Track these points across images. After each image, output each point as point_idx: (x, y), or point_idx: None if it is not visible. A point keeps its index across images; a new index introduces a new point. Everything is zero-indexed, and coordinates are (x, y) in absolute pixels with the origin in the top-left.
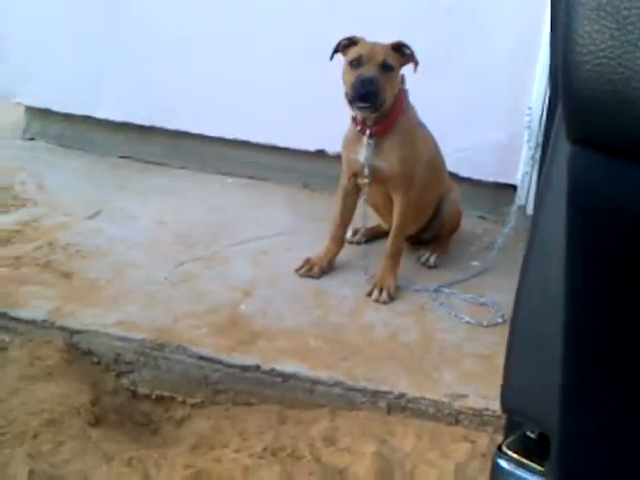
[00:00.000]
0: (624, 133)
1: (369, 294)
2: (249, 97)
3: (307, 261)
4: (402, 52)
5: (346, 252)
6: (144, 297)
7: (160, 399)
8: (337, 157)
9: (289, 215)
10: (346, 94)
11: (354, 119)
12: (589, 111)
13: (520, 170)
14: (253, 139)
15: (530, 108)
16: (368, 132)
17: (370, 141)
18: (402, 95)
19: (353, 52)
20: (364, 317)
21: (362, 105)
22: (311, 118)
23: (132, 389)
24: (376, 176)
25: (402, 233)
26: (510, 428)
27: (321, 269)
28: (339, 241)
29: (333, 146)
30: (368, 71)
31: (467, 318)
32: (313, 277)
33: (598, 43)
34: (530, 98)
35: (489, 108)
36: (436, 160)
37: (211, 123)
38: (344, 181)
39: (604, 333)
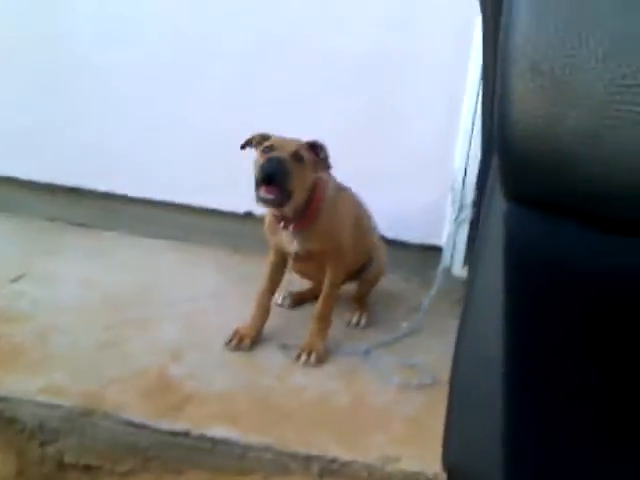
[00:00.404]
0: (559, 190)
1: (297, 357)
2: (177, 158)
3: (236, 333)
4: (317, 153)
5: (274, 316)
6: (70, 362)
7: (87, 468)
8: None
9: (218, 277)
10: (255, 179)
11: (275, 215)
12: (524, 169)
13: (445, 232)
14: (181, 200)
15: (454, 170)
16: (291, 228)
17: (296, 234)
18: (319, 187)
19: (266, 143)
20: (294, 380)
21: (267, 197)
22: (239, 180)
23: (58, 458)
24: (306, 256)
25: (333, 297)
26: None
27: (252, 340)
28: (267, 310)
29: (261, 208)
30: (278, 154)
31: (397, 380)
32: (244, 349)
33: (533, 102)
34: (453, 160)
35: (413, 171)
36: (362, 220)
37: (139, 184)
38: (271, 256)
39: (542, 385)
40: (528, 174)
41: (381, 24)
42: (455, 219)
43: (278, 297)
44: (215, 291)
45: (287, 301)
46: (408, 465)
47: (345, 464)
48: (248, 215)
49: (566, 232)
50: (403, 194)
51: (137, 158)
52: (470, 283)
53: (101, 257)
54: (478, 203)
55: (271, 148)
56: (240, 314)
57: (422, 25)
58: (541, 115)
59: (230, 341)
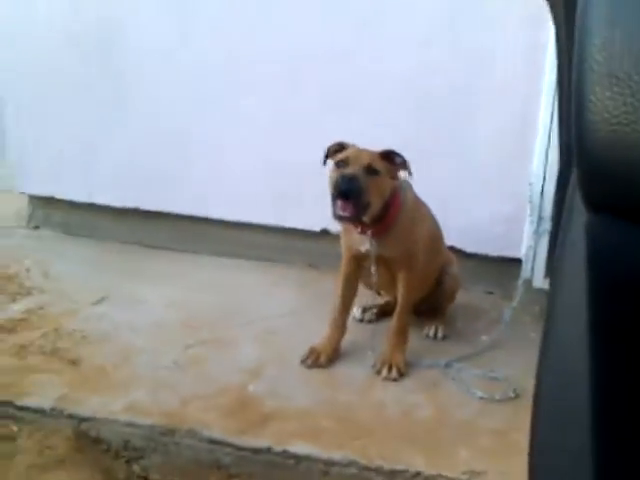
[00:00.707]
0: None
1: (378, 372)
2: (252, 179)
3: (312, 351)
4: (392, 160)
5: (354, 330)
6: (152, 381)
7: None
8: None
9: (296, 295)
10: (331, 194)
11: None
12: (605, 178)
13: (524, 244)
14: (257, 220)
15: (531, 183)
16: (369, 233)
17: (372, 239)
18: (398, 194)
19: (340, 154)
20: (375, 395)
21: (342, 214)
22: (314, 198)
23: (144, 475)
24: (379, 261)
25: (408, 309)
26: None
27: (328, 357)
28: (342, 327)
29: (336, 225)
30: (352, 170)
31: (480, 393)
32: (321, 366)
33: (611, 110)
34: (531, 172)
35: (491, 184)
36: (436, 236)
37: (215, 206)
38: (344, 267)
39: (633, 407)
40: (609, 183)
41: (449, 34)
42: (535, 231)
43: (357, 311)
44: (293, 309)
45: (368, 315)
46: (494, 479)
47: (430, 478)
48: (324, 232)
49: None
50: (482, 207)
51: (212, 181)
52: (551, 296)
53: (180, 278)
54: (557, 216)
55: (345, 162)
56: (318, 331)
57: (493, 39)
58: (620, 122)
59: (306, 359)
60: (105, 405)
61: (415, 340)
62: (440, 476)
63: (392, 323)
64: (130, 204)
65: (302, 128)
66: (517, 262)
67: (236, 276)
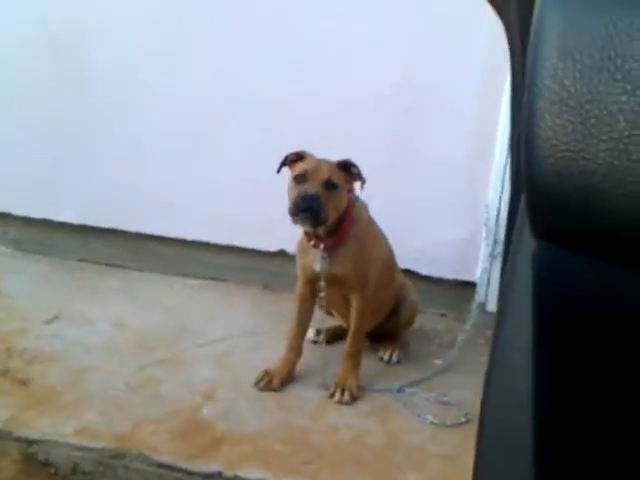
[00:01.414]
0: (589, 227)
1: (331, 396)
2: (208, 198)
3: (266, 373)
4: (349, 170)
5: (308, 352)
6: (103, 403)
7: None
8: None
9: (251, 316)
10: (289, 209)
11: (307, 233)
12: (553, 206)
13: (479, 267)
14: (213, 240)
15: (487, 205)
16: (322, 246)
17: (324, 254)
18: (351, 207)
19: (298, 167)
20: (327, 419)
21: (302, 217)
22: (271, 218)
23: None
24: (332, 281)
25: (361, 333)
26: None
27: (281, 380)
28: (298, 350)
29: (293, 246)
30: (311, 188)
31: (431, 418)
32: (274, 390)
33: (560, 137)
34: (487, 195)
35: (447, 207)
36: (389, 261)
37: (170, 224)
38: (300, 289)
39: (575, 428)
40: (557, 210)
41: (407, 59)
42: (490, 254)
43: (311, 333)
44: (248, 330)
45: (322, 336)
46: None
47: None
48: (281, 253)
49: (598, 272)
50: (436, 230)
51: (168, 199)
52: (499, 320)
53: (133, 297)
54: (507, 240)
55: (304, 176)
56: (274, 352)
57: (452, 57)
58: (569, 149)
59: (259, 381)
60: (55, 427)
61: (369, 363)
62: None
63: (345, 347)
64: (86, 221)
65: (257, 144)
66: (472, 285)
67: (191, 296)
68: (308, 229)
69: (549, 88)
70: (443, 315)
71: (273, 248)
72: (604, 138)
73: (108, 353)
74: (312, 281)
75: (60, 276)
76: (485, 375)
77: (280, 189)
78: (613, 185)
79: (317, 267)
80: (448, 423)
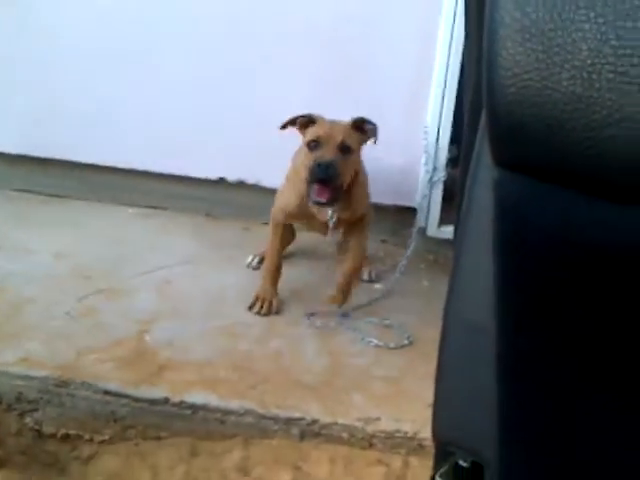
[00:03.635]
0: (552, 156)
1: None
2: (148, 125)
3: (257, 299)
4: (362, 129)
5: (246, 278)
6: (45, 333)
7: (66, 438)
8: (238, 184)
9: (192, 244)
10: (306, 180)
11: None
12: (516, 135)
13: (419, 193)
14: (153, 168)
15: (426, 132)
16: (330, 212)
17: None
18: (360, 162)
19: (311, 132)
20: (272, 344)
21: (320, 200)
22: (211, 145)
23: (37, 429)
24: (337, 224)
25: (364, 254)
26: (440, 457)
27: (278, 303)
28: (276, 281)
29: (234, 173)
30: (326, 154)
31: (375, 341)
32: (274, 313)
33: (523, 65)
34: (425, 121)
35: (386, 134)
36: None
37: (110, 153)
38: (280, 218)
39: (537, 362)
40: (519, 140)
41: None
42: (429, 180)
43: (251, 259)
44: (189, 258)
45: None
46: (388, 425)
47: (326, 426)
48: (221, 180)
49: (560, 200)
50: (376, 156)
51: (105, 125)
52: (457, 249)
53: (73, 227)
54: (463, 171)
55: (318, 142)
56: (216, 280)
57: None
58: (532, 78)
59: (254, 306)
60: None
61: (313, 290)
62: (336, 424)
63: (348, 266)
64: (23, 150)
65: (198, 68)
66: (412, 211)
67: (130, 225)
68: (327, 206)
69: (511, 15)
70: (384, 241)
71: (214, 176)
72: (567, 67)
73: (49, 283)
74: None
75: None
76: (444, 306)
77: (222, 117)
78: (576, 115)
79: (324, 218)
80: (391, 345)
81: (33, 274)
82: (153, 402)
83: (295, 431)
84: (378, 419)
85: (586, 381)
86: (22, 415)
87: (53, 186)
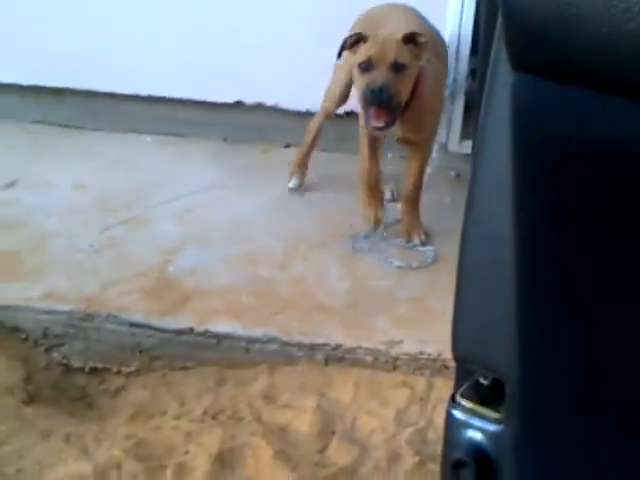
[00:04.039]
0: (571, 56)
1: (408, 241)
2: (161, 51)
3: (373, 222)
4: (416, 42)
5: (268, 203)
6: (69, 267)
7: (94, 371)
8: (256, 107)
9: (212, 170)
10: (361, 103)
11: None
12: (533, 35)
13: None
14: (168, 94)
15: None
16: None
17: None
18: (422, 77)
19: (361, 53)
20: (294, 270)
21: (378, 125)
22: (226, 68)
23: (64, 363)
24: (402, 140)
25: (422, 179)
26: (461, 376)
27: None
28: (380, 196)
29: (251, 96)
30: (379, 76)
31: (397, 262)
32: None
33: None
34: (445, 29)
35: None
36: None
37: (124, 81)
38: (366, 131)
39: (556, 273)
40: (537, 40)
41: None
42: (449, 93)
43: (293, 181)
44: (209, 185)
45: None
46: (411, 347)
47: (349, 350)
48: (238, 104)
49: (583, 103)
50: None
51: (119, 54)
52: (475, 160)
53: (91, 158)
54: (481, 76)
55: (369, 63)
56: (237, 206)
57: None
58: None
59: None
60: (21, 293)
61: (334, 212)
62: (360, 347)
63: (406, 193)
64: (36, 81)
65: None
66: None
67: (148, 153)
68: (385, 130)
69: None
70: (404, 157)
71: (230, 99)
72: None
73: (70, 216)
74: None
75: (14, 140)
76: (463, 220)
77: (235, 38)
78: (594, 10)
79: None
80: (414, 266)
81: (54, 207)
82: (178, 332)
83: (319, 356)
84: (401, 342)
85: (607, 296)
86: (49, 350)
87: (69, 117)
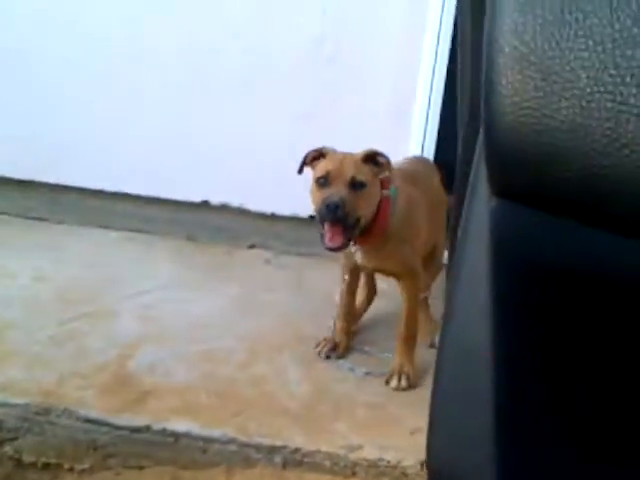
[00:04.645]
0: (551, 186)
1: (387, 382)
2: (129, 148)
3: (325, 340)
4: (376, 161)
5: (228, 303)
6: (26, 358)
7: (47, 466)
8: (222, 207)
9: (175, 268)
10: (317, 218)
11: None
12: (513, 164)
13: None
14: (134, 191)
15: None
16: (353, 243)
17: (359, 250)
18: (385, 202)
19: (320, 168)
20: (254, 370)
21: (332, 246)
22: (194, 168)
23: (17, 457)
24: (377, 271)
25: (415, 316)
26: None
27: (344, 346)
28: (351, 317)
29: (217, 196)
30: (335, 192)
31: (359, 369)
32: (339, 357)
33: (521, 94)
34: (409, 145)
35: None
36: (428, 238)
37: (91, 176)
38: (346, 274)
39: (534, 388)
40: (517, 169)
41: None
42: None
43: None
44: (171, 282)
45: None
46: (371, 453)
47: (308, 454)
48: (204, 203)
49: (558, 230)
50: None
51: (87, 149)
52: (453, 277)
53: (53, 250)
54: (458, 199)
55: (326, 179)
56: (198, 304)
57: (372, 6)
58: (531, 107)
59: (321, 348)
60: None
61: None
62: (319, 452)
63: (400, 330)
64: (3, 173)
65: (179, 89)
66: None
67: (111, 248)
68: (340, 251)
69: (510, 44)
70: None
71: (196, 199)
72: (566, 95)
73: (30, 308)
74: (355, 268)
75: None
76: (441, 332)
77: (203, 137)
78: (575, 143)
79: (357, 259)
80: (376, 372)
81: (13, 299)
82: (135, 430)
83: (278, 459)
84: (361, 447)
85: (585, 404)
86: (2, 444)
87: (33, 209)
